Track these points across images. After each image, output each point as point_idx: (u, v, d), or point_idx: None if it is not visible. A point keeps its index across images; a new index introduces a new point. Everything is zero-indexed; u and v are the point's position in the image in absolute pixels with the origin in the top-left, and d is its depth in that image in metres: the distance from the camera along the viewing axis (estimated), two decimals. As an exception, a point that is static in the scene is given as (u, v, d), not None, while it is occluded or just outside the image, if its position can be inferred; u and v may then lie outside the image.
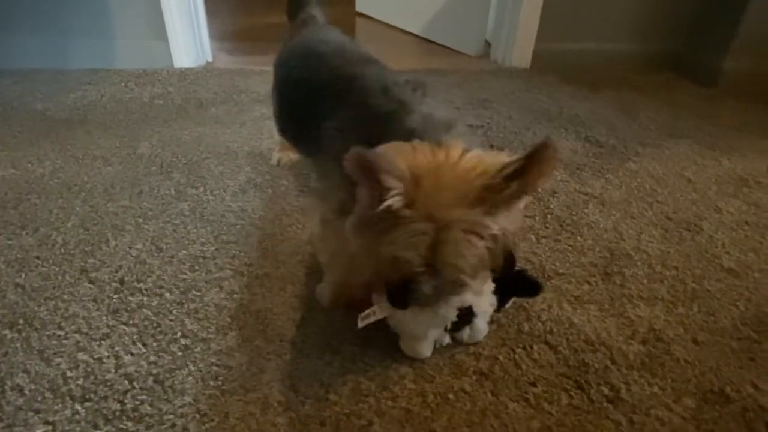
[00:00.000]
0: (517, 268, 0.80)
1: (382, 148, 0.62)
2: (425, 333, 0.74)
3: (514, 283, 0.79)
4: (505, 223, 0.62)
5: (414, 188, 0.59)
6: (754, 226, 1.11)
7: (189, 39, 1.96)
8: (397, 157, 0.60)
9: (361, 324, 0.72)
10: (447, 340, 0.77)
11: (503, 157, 0.62)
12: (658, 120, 1.66)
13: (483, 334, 0.78)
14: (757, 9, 1.81)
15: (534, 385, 0.73)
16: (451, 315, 0.73)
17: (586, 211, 1.14)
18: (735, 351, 0.80)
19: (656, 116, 1.69)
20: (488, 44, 2.26)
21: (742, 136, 1.56)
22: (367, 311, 0.72)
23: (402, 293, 0.65)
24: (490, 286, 0.76)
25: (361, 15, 2.82)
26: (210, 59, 2.08)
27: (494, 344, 0.79)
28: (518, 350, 0.78)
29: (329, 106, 0.82)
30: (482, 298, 0.75)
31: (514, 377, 0.74)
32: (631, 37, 2.10)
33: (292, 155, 1.26)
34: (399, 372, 0.74)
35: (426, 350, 0.75)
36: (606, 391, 0.72)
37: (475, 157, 0.63)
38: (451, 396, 0.71)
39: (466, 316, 0.74)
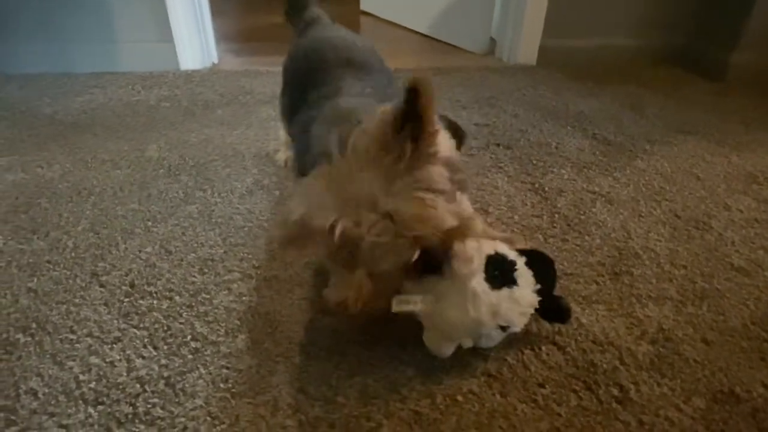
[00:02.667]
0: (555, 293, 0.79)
1: (292, 205, 0.63)
2: (458, 337, 0.74)
3: (547, 306, 0.77)
4: (437, 171, 0.62)
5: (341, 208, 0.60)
6: (764, 224, 1.10)
7: (194, 41, 1.97)
8: (306, 197, 0.62)
9: (396, 308, 0.72)
10: (470, 343, 0.75)
11: (377, 114, 0.63)
12: (666, 116, 1.65)
13: (496, 342, 0.77)
14: (766, 1, 1.79)
15: (542, 386, 0.73)
16: (493, 330, 0.72)
17: (593, 210, 1.14)
18: (745, 351, 0.79)
19: (664, 112, 1.68)
20: (493, 42, 2.25)
21: (752, 131, 1.54)
22: (406, 297, 0.72)
23: (426, 265, 0.67)
24: (522, 297, 0.74)
25: (366, 14, 2.81)
26: (216, 61, 2.09)
27: (502, 346, 0.79)
28: (526, 351, 0.78)
29: (313, 112, 0.85)
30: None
31: (523, 378, 0.74)
32: (638, 32, 2.09)
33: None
34: (407, 374, 0.74)
35: (449, 351, 0.75)
36: (615, 391, 0.72)
37: (360, 134, 0.64)
38: (459, 397, 0.71)
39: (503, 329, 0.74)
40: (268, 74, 1.87)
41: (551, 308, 0.77)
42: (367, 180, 0.61)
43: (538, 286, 0.74)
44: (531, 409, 0.70)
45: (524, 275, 0.73)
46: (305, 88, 0.92)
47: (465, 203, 0.74)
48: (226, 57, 2.15)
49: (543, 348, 0.79)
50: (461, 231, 0.67)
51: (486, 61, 2.16)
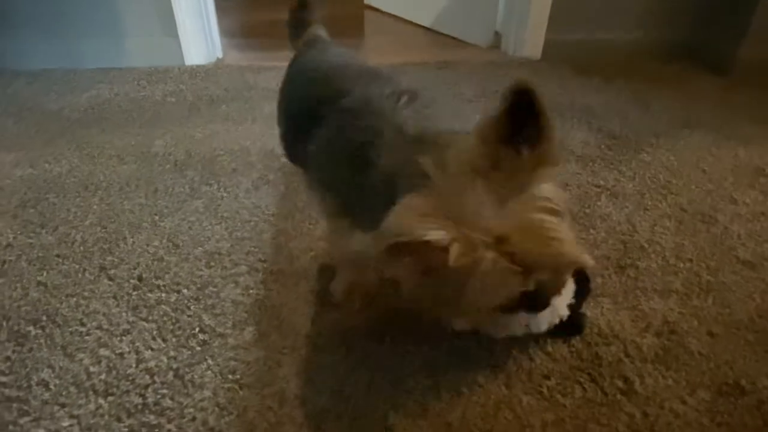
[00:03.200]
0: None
1: (393, 221, 0.52)
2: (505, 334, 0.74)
3: (567, 321, 0.75)
4: (548, 191, 0.53)
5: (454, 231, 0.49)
6: (770, 217, 1.09)
7: (199, 36, 1.97)
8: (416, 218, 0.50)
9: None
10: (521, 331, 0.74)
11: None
12: (672, 110, 1.64)
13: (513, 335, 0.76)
14: (773, -5, 1.77)
15: (547, 378, 0.73)
16: (543, 325, 0.71)
17: (598, 203, 1.14)
18: (751, 343, 0.79)
19: (670, 106, 1.67)
20: (498, 35, 2.24)
21: (759, 125, 1.53)
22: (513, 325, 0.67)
23: (528, 303, 0.57)
24: (558, 307, 0.72)
25: (370, 8, 2.81)
26: (220, 56, 2.09)
27: (507, 338, 0.79)
28: (531, 343, 0.79)
29: (314, 129, 0.76)
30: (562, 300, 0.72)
31: (528, 370, 0.74)
32: (644, 26, 2.07)
33: None
34: (413, 366, 0.75)
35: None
36: (620, 383, 0.73)
37: (461, 149, 0.54)
38: (465, 389, 0.71)
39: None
40: (273, 69, 1.87)
41: (569, 323, 0.76)
42: (478, 200, 0.51)
43: (573, 301, 0.74)
44: (536, 400, 0.70)
45: (567, 288, 0.71)
46: (312, 102, 0.81)
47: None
48: (230, 52, 2.15)
49: (548, 340, 0.79)
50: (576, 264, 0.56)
51: (491, 55, 2.15)
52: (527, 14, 2.00)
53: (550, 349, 0.78)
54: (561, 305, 0.72)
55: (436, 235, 0.48)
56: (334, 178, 0.74)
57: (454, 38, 2.34)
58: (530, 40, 2.05)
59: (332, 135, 0.73)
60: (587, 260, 0.54)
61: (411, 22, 2.55)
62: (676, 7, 2.03)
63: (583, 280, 0.77)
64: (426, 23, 2.47)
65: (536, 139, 0.51)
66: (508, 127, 0.51)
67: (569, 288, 0.72)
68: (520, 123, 0.50)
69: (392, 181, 0.60)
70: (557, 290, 0.60)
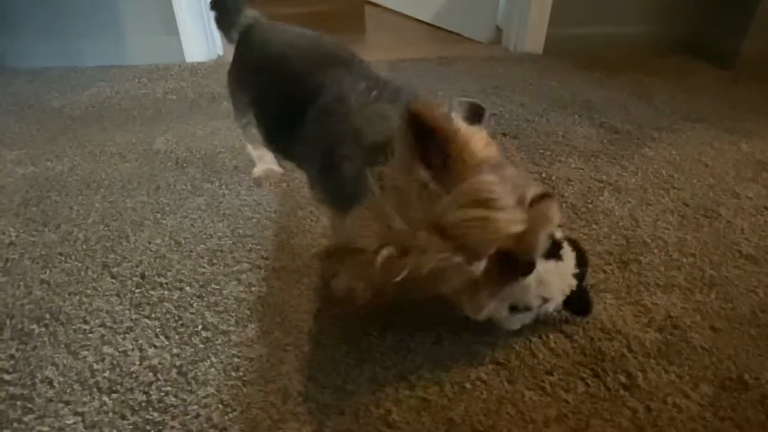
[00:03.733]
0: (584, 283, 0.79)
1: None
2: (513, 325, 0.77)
3: (574, 296, 0.78)
4: (483, 181, 0.55)
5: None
6: (773, 211, 1.09)
7: (200, 33, 1.97)
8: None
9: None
10: (524, 320, 0.78)
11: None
12: (674, 104, 1.63)
13: (529, 319, 0.78)
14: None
15: (550, 373, 0.73)
16: (534, 299, 0.73)
17: (601, 198, 1.13)
18: (753, 338, 0.79)
19: (672, 100, 1.66)
20: (499, 30, 2.23)
21: (761, 119, 1.53)
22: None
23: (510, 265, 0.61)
24: (565, 274, 0.76)
25: (370, 3, 2.80)
26: (221, 53, 2.09)
27: (509, 334, 0.79)
28: (534, 339, 0.79)
29: (299, 120, 0.81)
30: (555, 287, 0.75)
31: (530, 366, 0.74)
32: (645, 20, 2.06)
33: (276, 168, 1.17)
34: (415, 362, 0.75)
35: (513, 326, 0.78)
36: (622, 378, 0.73)
37: (390, 172, 0.58)
38: (467, 385, 0.71)
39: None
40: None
41: (577, 299, 0.78)
42: (410, 210, 0.55)
43: (577, 270, 0.76)
44: (539, 396, 0.70)
45: (568, 255, 0.76)
46: (292, 100, 0.84)
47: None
48: (230, 49, 2.15)
49: (551, 336, 0.79)
50: (534, 231, 0.59)
51: (492, 51, 2.15)
52: (528, 9, 1.99)
53: (552, 344, 0.78)
54: (566, 273, 0.75)
55: (365, 242, 0.55)
56: (316, 174, 0.80)
57: (454, 33, 2.33)
58: (531, 35, 2.04)
59: (310, 135, 0.79)
60: (518, 227, 0.56)
61: (411, 18, 2.55)
62: (678, 1, 2.01)
63: (580, 251, 0.78)
64: (426, 19, 2.46)
65: (447, 151, 0.54)
66: (419, 149, 0.54)
67: (569, 255, 0.76)
68: (429, 140, 0.53)
69: (356, 185, 0.64)
70: (527, 252, 0.61)
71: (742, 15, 1.85)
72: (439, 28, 2.40)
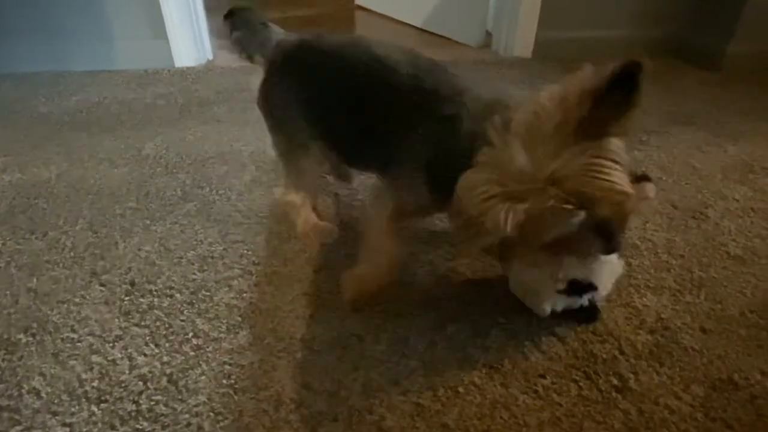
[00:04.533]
0: None
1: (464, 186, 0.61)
2: (539, 291, 0.78)
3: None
4: (614, 145, 0.60)
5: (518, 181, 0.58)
6: (760, 213, 1.10)
7: (189, 37, 1.96)
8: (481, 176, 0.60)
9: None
10: (561, 305, 0.79)
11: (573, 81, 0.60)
12: (662, 107, 1.65)
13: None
14: (760, -8, 1.79)
15: (543, 376, 0.73)
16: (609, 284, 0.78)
17: (591, 201, 1.14)
18: (743, 338, 0.80)
19: (660, 103, 1.68)
20: (489, 35, 2.24)
21: (748, 121, 1.55)
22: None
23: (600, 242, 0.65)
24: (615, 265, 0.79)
25: (361, 8, 2.80)
26: (211, 57, 2.08)
27: (503, 337, 0.80)
28: (527, 342, 0.79)
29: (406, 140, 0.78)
30: (604, 274, 0.77)
31: (523, 369, 0.74)
32: (633, 23, 2.09)
33: (324, 224, 1.00)
34: (409, 366, 0.75)
35: (546, 308, 0.79)
36: (614, 381, 0.73)
37: (537, 115, 0.61)
38: (461, 389, 0.71)
39: (586, 287, 0.76)
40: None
41: (588, 307, 0.80)
42: (533, 155, 0.59)
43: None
44: (532, 399, 0.70)
45: (615, 267, 0.80)
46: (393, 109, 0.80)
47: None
48: (221, 53, 2.14)
49: (543, 339, 0.79)
50: (633, 206, 0.63)
51: (482, 55, 2.16)
52: (517, 13, 2.01)
53: (545, 347, 0.78)
54: (617, 268, 0.79)
55: (479, 209, 0.57)
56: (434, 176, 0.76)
57: (445, 38, 2.34)
58: (521, 39, 2.06)
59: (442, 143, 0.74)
60: (628, 190, 0.60)
61: (401, 22, 2.55)
62: (666, 4, 2.04)
63: None
64: (417, 23, 2.47)
65: (622, 110, 0.58)
66: (604, 91, 0.56)
67: (617, 265, 0.79)
68: (612, 90, 0.56)
69: (471, 146, 0.65)
70: (622, 227, 0.65)
71: (729, 17, 1.88)
72: (430, 33, 2.41)
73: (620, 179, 0.59)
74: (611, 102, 0.57)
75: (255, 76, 0.98)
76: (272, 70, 0.93)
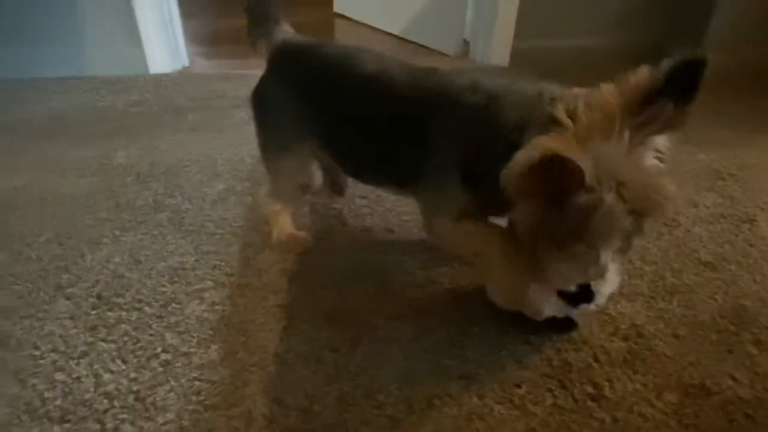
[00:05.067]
0: None
1: (535, 149, 0.57)
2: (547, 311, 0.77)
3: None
4: (662, 144, 0.61)
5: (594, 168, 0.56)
6: (729, 219, 1.13)
7: (164, 43, 1.93)
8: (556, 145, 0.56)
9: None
10: (554, 312, 0.78)
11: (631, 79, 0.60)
12: (635, 115, 1.68)
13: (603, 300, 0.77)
14: (727, 3, 1.84)
15: (518, 386, 0.73)
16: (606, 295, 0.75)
17: (566, 208, 1.15)
18: (714, 344, 0.81)
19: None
20: (467, 43, 2.26)
21: (716, 129, 1.58)
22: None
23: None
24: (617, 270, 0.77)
25: (340, 16, 2.80)
26: (187, 64, 2.05)
27: (479, 346, 0.79)
28: (502, 352, 0.78)
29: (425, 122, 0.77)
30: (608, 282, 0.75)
31: (499, 379, 0.74)
32: (607, 32, 2.13)
33: (300, 234, 1.00)
34: (384, 379, 0.73)
35: (546, 311, 0.77)
36: (589, 389, 0.73)
37: (599, 100, 0.60)
38: (436, 401, 0.71)
39: (587, 296, 0.74)
40: (242, 77, 1.84)
41: (568, 318, 0.79)
42: (606, 144, 0.58)
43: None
44: (507, 409, 0.70)
45: (616, 277, 0.77)
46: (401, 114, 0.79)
47: None
48: (197, 60, 2.11)
49: (518, 348, 0.79)
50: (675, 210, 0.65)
51: (460, 63, 2.17)
52: (494, 22, 2.03)
53: (520, 356, 0.78)
54: (607, 291, 0.76)
55: (577, 157, 0.53)
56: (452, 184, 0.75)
57: (423, 46, 2.35)
58: (498, 48, 2.08)
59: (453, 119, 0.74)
60: (678, 201, 0.64)
61: (380, 30, 2.56)
62: (635, 15, 2.09)
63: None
64: (395, 31, 2.48)
65: (681, 105, 0.58)
66: (662, 84, 0.57)
67: (617, 280, 0.76)
68: (671, 84, 0.57)
69: (520, 131, 0.64)
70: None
71: (698, 28, 1.93)
72: (408, 41, 2.41)
73: (673, 188, 0.61)
74: (667, 99, 0.57)
75: (232, 84, 0.96)
76: (272, 67, 0.93)
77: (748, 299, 0.90)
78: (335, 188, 1.15)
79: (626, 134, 0.57)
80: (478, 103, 0.71)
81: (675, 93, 0.57)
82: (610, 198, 0.57)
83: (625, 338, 0.81)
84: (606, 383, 0.74)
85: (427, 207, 0.85)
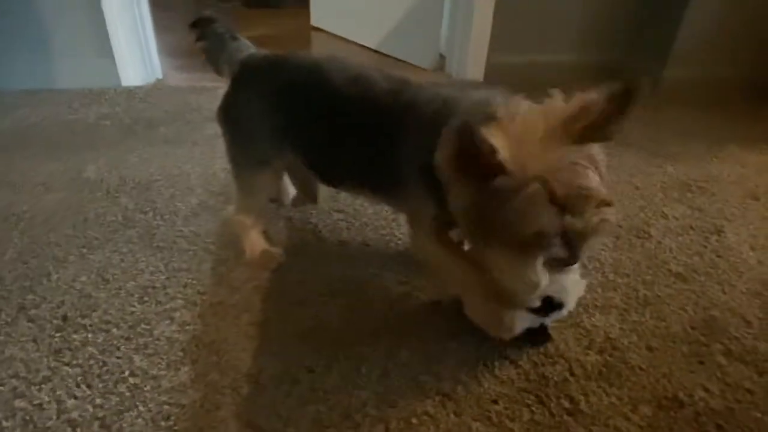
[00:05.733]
0: None
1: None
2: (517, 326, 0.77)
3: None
4: (596, 150, 0.63)
5: (512, 151, 0.59)
6: (698, 230, 1.15)
7: (136, 56, 1.90)
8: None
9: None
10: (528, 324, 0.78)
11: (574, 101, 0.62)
12: (607, 129, 1.72)
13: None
14: (692, 18, 1.91)
15: (496, 402, 0.73)
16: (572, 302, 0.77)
17: (541, 221, 1.16)
18: (686, 355, 0.82)
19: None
20: (443, 57, 2.29)
21: (685, 142, 1.63)
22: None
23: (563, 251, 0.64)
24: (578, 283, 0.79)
25: (317, 29, 2.81)
26: (160, 76, 2.02)
27: (456, 361, 0.79)
28: (479, 366, 0.78)
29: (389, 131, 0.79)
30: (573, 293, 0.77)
31: (476, 396, 0.74)
32: (578, 48, 2.18)
33: (273, 249, 0.99)
34: (360, 398, 0.72)
35: (516, 328, 0.77)
36: (566, 404, 0.73)
37: (542, 108, 0.63)
38: (414, 420, 0.70)
39: (553, 306, 0.75)
40: (216, 90, 1.82)
41: (537, 329, 0.80)
42: (535, 140, 0.60)
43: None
44: (485, 426, 0.69)
45: (579, 284, 0.80)
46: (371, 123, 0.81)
47: None
48: (171, 72, 2.08)
49: (496, 363, 0.79)
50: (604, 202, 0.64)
51: (436, 77, 2.19)
52: (469, 37, 2.06)
53: (497, 371, 0.77)
54: (580, 287, 0.79)
55: (498, 142, 0.57)
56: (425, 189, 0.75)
57: (399, 60, 2.37)
58: (473, 62, 2.11)
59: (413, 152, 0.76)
60: (612, 200, 0.63)
61: (357, 44, 2.57)
62: (605, 30, 2.14)
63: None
64: (372, 45, 2.49)
65: (612, 121, 0.61)
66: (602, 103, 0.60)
67: (581, 284, 0.79)
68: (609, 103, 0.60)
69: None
70: (586, 237, 0.64)
71: (663, 44, 2.00)
72: (385, 55, 2.43)
73: (600, 185, 0.61)
74: (605, 114, 0.60)
75: (206, 97, 0.95)
76: (240, 83, 0.92)
77: (717, 310, 0.92)
78: (308, 195, 1.15)
79: (561, 136, 0.60)
80: (434, 109, 0.74)
81: (612, 108, 0.61)
82: (532, 186, 0.58)
83: (601, 351, 0.82)
84: (582, 397, 0.74)
85: (409, 219, 0.88)
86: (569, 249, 0.63)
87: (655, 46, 2.04)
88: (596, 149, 0.63)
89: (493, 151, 0.57)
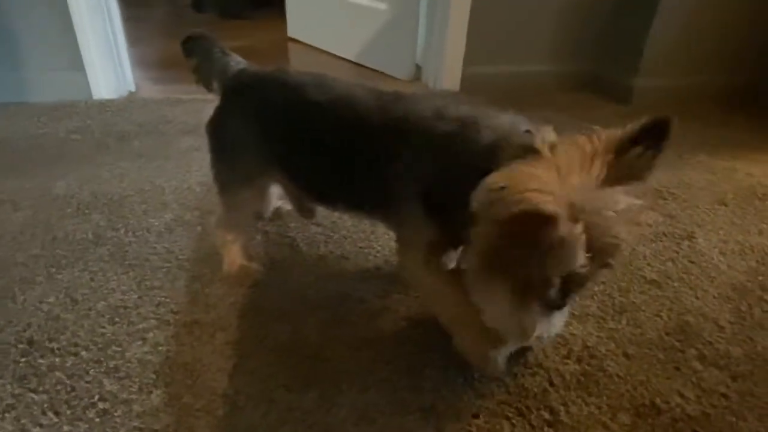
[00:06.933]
0: None
1: (501, 177, 0.56)
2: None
3: None
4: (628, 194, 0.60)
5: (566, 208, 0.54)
6: (670, 237, 1.18)
7: (108, 68, 1.86)
8: (528, 182, 0.55)
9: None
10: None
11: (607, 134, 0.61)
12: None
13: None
14: (659, 29, 1.97)
15: (476, 416, 0.72)
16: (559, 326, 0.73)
17: (518, 231, 1.17)
18: (662, 362, 0.83)
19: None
20: (419, 68, 2.31)
21: (655, 150, 1.67)
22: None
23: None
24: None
25: (294, 40, 2.80)
26: (133, 89, 1.98)
27: (436, 375, 0.78)
28: (459, 380, 0.78)
29: (385, 146, 0.76)
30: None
31: (457, 410, 0.73)
32: (552, 59, 2.22)
33: (251, 265, 0.97)
34: (339, 417, 0.71)
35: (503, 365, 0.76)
36: (546, 415, 0.73)
37: (575, 141, 0.61)
38: (394, 437, 0.69)
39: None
40: (191, 102, 1.80)
41: None
42: (583, 182, 0.57)
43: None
44: (466, 441, 0.69)
45: None
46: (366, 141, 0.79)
47: None
48: (144, 85, 2.05)
49: (475, 375, 0.78)
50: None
51: (413, 87, 2.21)
52: (444, 49, 2.08)
53: (477, 384, 0.77)
54: (558, 328, 0.74)
55: (547, 206, 0.52)
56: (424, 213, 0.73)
57: (376, 71, 2.38)
58: (448, 73, 2.13)
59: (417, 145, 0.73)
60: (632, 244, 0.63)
61: (334, 55, 2.57)
62: (578, 42, 2.19)
63: None
64: (349, 56, 2.50)
65: (649, 161, 0.60)
66: (632, 140, 0.60)
67: (565, 313, 0.75)
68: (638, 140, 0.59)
69: (493, 158, 0.63)
70: (585, 283, 0.63)
71: (632, 54, 2.05)
72: (362, 66, 2.44)
73: (629, 239, 0.60)
74: (638, 151, 0.59)
75: (180, 110, 0.93)
76: (229, 98, 0.91)
77: (691, 315, 0.93)
78: (304, 212, 1.13)
79: (601, 175, 0.58)
80: (446, 132, 0.71)
81: (645, 144, 0.60)
82: (576, 229, 0.54)
83: (579, 360, 0.83)
84: (562, 407, 0.74)
85: (399, 241, 0.84)
86: (565, 294, 0.61)
87: (626, 56, 2.09)
88: (633, 191, 0.60)
89: (556, 221, 0.52)
